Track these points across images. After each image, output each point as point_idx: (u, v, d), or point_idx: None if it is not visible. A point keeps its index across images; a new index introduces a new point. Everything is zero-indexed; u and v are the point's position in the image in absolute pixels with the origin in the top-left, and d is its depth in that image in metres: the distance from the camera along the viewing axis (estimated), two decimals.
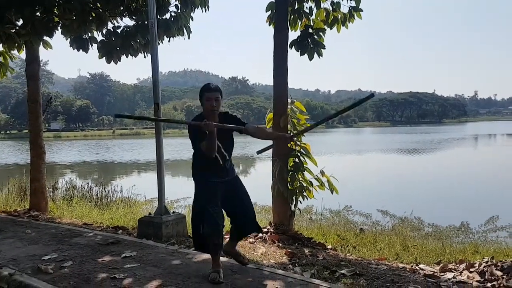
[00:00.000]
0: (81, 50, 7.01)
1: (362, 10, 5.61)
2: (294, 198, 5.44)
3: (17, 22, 6.34)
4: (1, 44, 6.80)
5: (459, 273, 4.09)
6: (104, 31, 6.92)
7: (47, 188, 7.54)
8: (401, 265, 4.33)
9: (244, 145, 38.79)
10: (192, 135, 3.35)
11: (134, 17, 6.77)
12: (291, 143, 5.52)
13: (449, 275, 3.98)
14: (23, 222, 5.88)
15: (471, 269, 4.14)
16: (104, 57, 6.89)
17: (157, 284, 3.25)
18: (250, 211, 3.59)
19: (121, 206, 8.64)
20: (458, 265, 4.42)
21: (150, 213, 5.36)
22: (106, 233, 5.22)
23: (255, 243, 4.91)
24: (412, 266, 4.39)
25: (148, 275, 3.48)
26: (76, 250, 4.32)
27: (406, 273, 3.80)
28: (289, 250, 4.44)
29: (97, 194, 9.87)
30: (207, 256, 4.00)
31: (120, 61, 6.91)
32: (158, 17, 6.28)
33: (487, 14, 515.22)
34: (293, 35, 5.75)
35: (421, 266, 4.40)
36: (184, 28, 6.61)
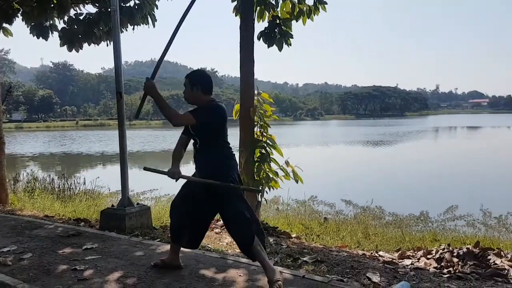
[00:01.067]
0: (41, 37, 6.82)
1: (326, 3, 5.68)
2: (260, 188, 5.49)
3: None
4: None
5: (416, 260, 4.23)
6: (65, 18, 6.74)
7: (7, 180, 7.29)
8: (361, 252, 4.46)
9: None
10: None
11: (97, 4, 6.61)
12: (258, 133, 5.57)
13: (407, 261, 4.12)
14: None
15: (428, 256, 4.29)
16: (65, 45, 6.69)
17: (119, 276, 3.22)
18: None
19: (84, 198, 8.46)
20: (416, 252, 4.57)
21: (113, 205, 5.27)
22: (67, 225, 5.11)
23: (221, 233, 4.95)
24: (372, 253, 4.52)
25: (110, 266, 3.44)
26: (36, 242, 4.21)
27: (366, 260, 3.92)
28: None
29: (59, 186, 9.62)
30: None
31: (82, 49, 6.75)
32: (122, 4, 6.16)
33: (449, 9, 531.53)
34: (260, 26, 5.78)
35: (381, 253, 4.54)
36: (148, 16, 6.50)
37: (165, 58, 3.34)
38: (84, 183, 9.63)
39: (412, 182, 13.89)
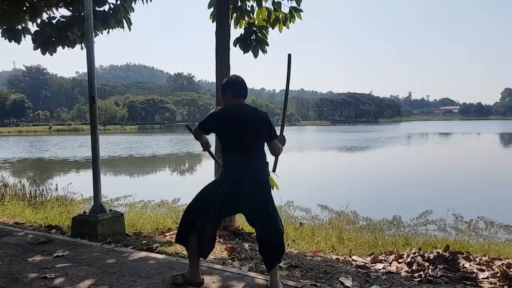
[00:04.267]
0: (13, 41, 6.68)
1: (302, 11, 5.75)
2: None
3: None
4: None
5: (388, 264, 4.29)
6: (38, 22, 6.61)
7: None
8: (335, 257, 4.51)
9: (187, 143, 38.39)
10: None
11: (71, 8, 6.51)
12: None
13: (379, 266, 4.18)
14: None
15: (400, 260, 4.34)
16: (39, 48, 6.56)
17: (90, 283, 3.16)
18: None
19: (56, 205, 8.25)
20: (388, 256, 4.63)
21: (85, 212, 5.17)
22: (38, 232, 4.98)
23: None
24: (345, 257, 4.57)
25: (81, 274, 3.37)
26: (5, 250, 4.10)
27: (339, 264, 3.97)
28: (229, 245, 4.48)
29: (30, 192, 9.36)
30: (143, 254, 3.98)
31: (55, 52, 6.63)
32: (96, 8, 6.08)
33: (425, 14, 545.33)
34: (236, 33, 5.80)
35: (354, 257, 4.59)
36: (123, 20, 6.45)
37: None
38: (56, 189, 9.40)
39: (386, 187, 14.14)
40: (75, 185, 9.92)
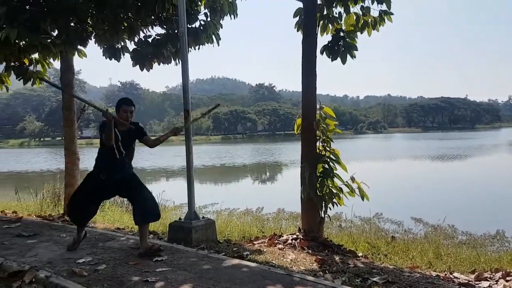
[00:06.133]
0: (113, 59, 7.22)
1: (392, 14, 5.54)
2: (323, 204, 5.39)
3: (52, 32, 6.55)
4: (37, 54, 7.04)
5: (495, 282, 3.97)
6: (135, 40, 7.12)
7: None
8: (434, 274, 4.21)
9: (272, 152, 38.82)
10: (100, 130, 4.26)
11: (165, 26, 6.92)
12: (320, 148, 5.50)
13: (485, 284, 3.88)
14: (58, 226, 6.04)
15: (508, 278, 4.02)
16: (137, 65, 7.06)
17: None
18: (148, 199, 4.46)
19: None
20: (494, 273, 4.30)
21: (180, 218, 5.41)
22: (138, 237, 5.29)
23: (284, 249, 4.89)
24: (446, 274, 4.28)
25: (180, 278, 3.51)
26: (110, 254, 4.40)
27: (440, 282, 3.70)
28: (319, 257, 4.39)
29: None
30: (236, 261, 4.04)
31: (152, 68, 7.08)
32: (188, 25, 6.40)
33: None
34: (321, 41, 5.75)
35: (455, 274, 4.28)
36: (213, 36, 6.71)
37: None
38: None
39: (487, 200, 13.00)
40: (168, 193, 10.49)
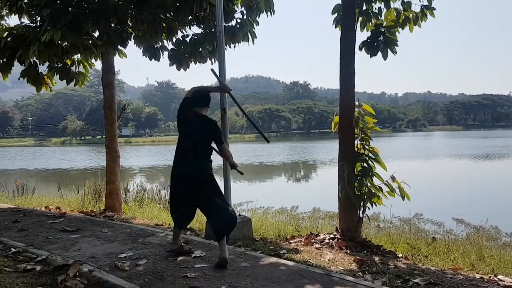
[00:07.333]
0: (153, 59, 7.35)
1: (435, 9, 5.36)
2: (362, 204, 5.29)
3: (94, 34, 6.75)
4: (79, 54, 7.27)
5: None
6: (174, 40, 7.23)
7: (120, 190, 7.92)
8: (478, 276, 4.06)
9: (309, 151, 38.49)
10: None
11: (202, 26, 7.00)
12: (359, 146, 5.40)
13: None
14: (99, 222, 6.22)
15: None
16: (174, 65, 7.17)
17: (227, 285, 3.30)
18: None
19: None
20: None
21: None
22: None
23: (321, 248, 4.84)
24: (490, 277, 4.11)
25: (218, 275, 3.54)
26: (150, 249, 4.49)
27: (484, 284, 3.56)
28: (358, 257, 4.32)
29: (165, 196, 10.23)
30: (273, 259, 4.04)
31: (189, 68, 7.17)
32: (225, 24, 6.44)
33: None
34: (359, 37, 5.65)
35: (500, 277, 4.12)
36: (249, 34, 6.72)
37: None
38: None
39: None
40: None
